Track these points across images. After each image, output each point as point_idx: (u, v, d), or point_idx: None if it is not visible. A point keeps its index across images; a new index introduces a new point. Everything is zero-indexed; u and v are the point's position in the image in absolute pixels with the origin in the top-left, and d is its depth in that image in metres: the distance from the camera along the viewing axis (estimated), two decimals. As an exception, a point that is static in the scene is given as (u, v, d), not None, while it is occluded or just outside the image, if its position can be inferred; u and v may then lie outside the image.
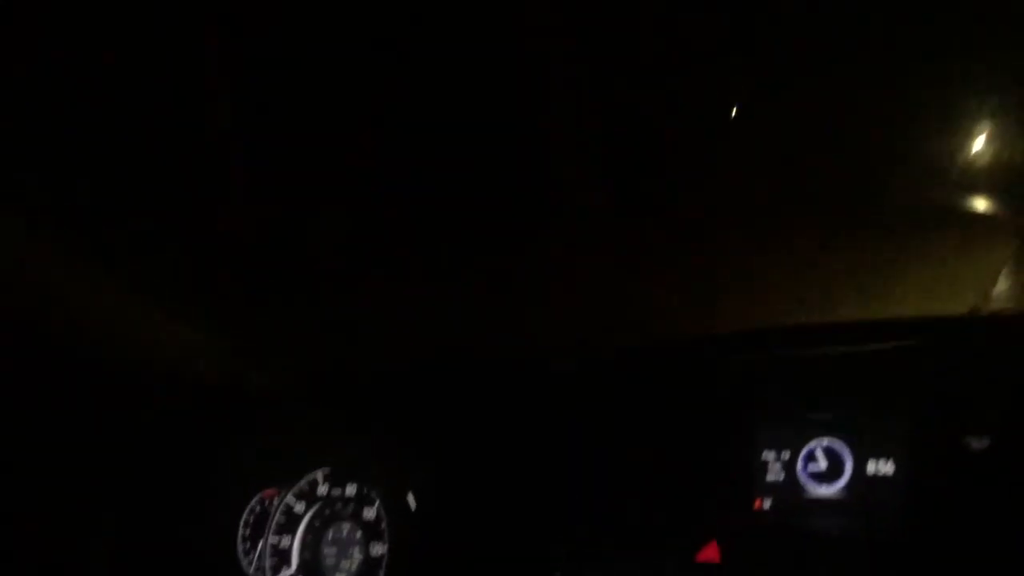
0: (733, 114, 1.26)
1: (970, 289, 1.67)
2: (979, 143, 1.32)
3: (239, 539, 1.85)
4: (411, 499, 1.69)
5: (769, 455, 1.62)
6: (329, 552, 1.77)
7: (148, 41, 1.12)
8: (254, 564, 1.80)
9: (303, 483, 1.81)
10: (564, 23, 1.14)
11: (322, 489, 1.80)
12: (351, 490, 1.78)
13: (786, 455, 1.61)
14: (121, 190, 1.39)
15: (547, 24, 1.14)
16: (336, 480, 1.79)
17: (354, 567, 1.73)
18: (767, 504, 1.58)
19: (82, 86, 1.16)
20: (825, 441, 1.60)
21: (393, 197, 1.44)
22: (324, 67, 1.20)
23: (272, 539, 1.79)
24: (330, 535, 1.78)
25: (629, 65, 1.21)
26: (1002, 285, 1.66)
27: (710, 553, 1.55)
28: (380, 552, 1.71)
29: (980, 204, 1.46)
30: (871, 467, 1.56)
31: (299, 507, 1.80)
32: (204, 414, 1.90)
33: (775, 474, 1.60)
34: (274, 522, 1.79)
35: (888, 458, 1.55)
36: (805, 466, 1.60)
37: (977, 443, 1.49)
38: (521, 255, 1.57)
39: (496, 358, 1.70)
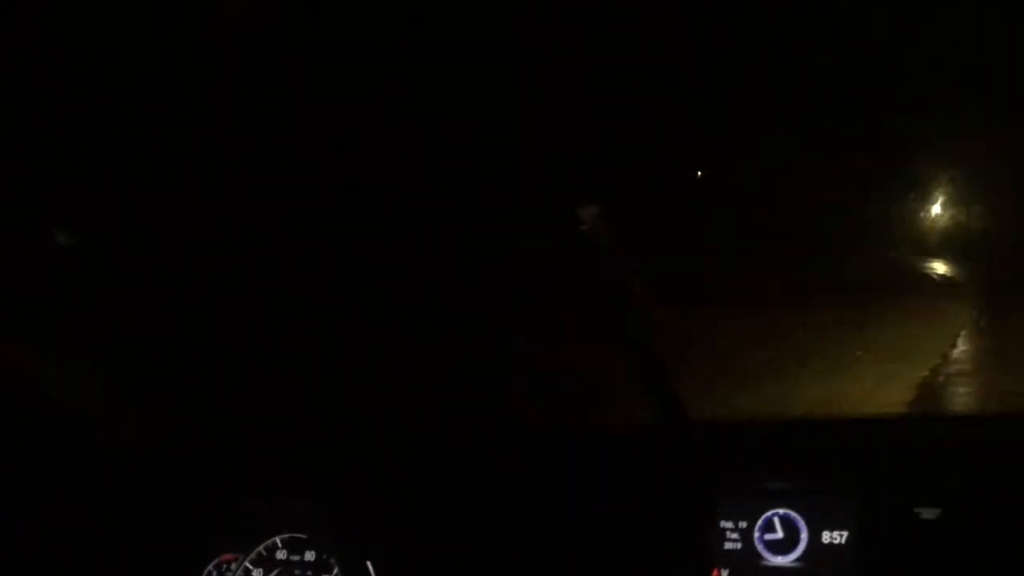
0: (698, 175, 1.30)
1: (931, 351, 1.72)
2: (937, 211, 1.37)
3: (194, 605, 1.82)
4: (370, 567, 1.68)
5: (727, 524, 1.63)
6: (286, 619, 1.74)
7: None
8: (209, 631, 1.77)
9: (261, 548, 1.79)
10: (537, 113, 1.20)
11: (281, 555, 1.78)
12: (310, 556, 1.76)
13: (743, 524, 1.63)
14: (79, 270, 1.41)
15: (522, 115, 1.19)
16: (295, 546, 1.78)
17: (311, 635, 1.71)
18: (724, 573, 1.60)
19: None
20: (781, 511, 1.62)
21: (359, 280, 1.47)
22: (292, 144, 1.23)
23: (228, 606, 1.76)
24: (288, 601, 1.76)
25: (599, 149, 1.26)
26: (961, 347, 1.72)
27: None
28: (338, 620, 1.69)
29: (939, 269, 1.51)
30: (826, 537, 1.58)
31: (257, 573, 1.78)
32: (163, 479, 1.88)
33: (733, 543, 1.62)
34: (231, 588, 1.77)
35: (842, 528, 1.58)
36: (762, 535, 1.62)
37: (928, 514, 1.52)
38: (490, 332, 1.60)
39: (455, 430, 1.72)
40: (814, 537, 1.59)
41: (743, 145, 1.30)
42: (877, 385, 1.83)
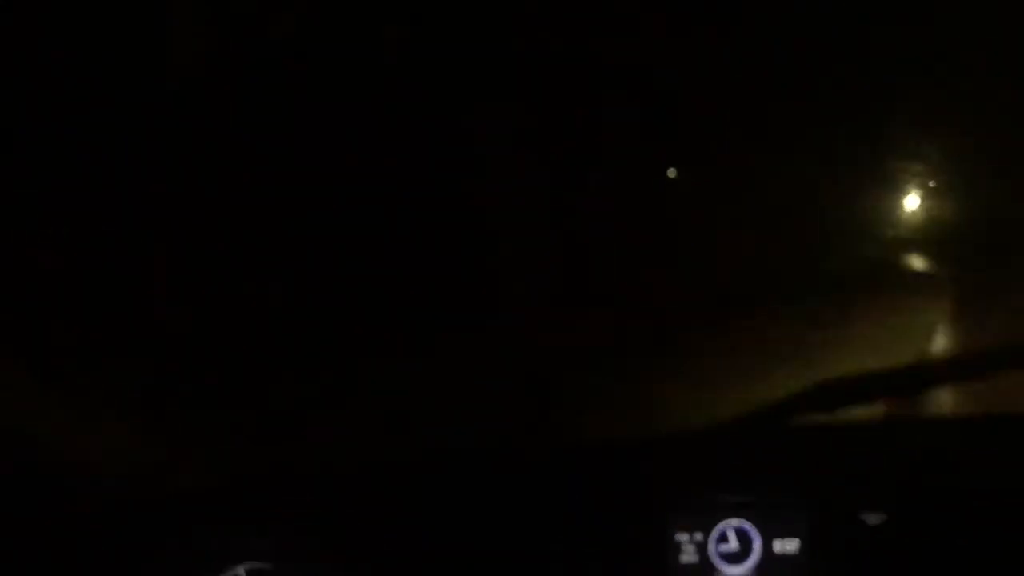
0: (671, 175, 1.32)
1: (908, 346, 1.75)
2: (912, 205, 1.40)
3: (157, 639, 1.81)
4: (333, 594, 1.70)
5: (682, 537, 1.66)
6: (250, 650, 1.75)
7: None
8: (173, 665, 1.77)
9: (224, 579, 1.80)
10: (512, 128, 1.22)
11: (244, 586, 1.79)
12: (273, 586, 1.77)
13: (698, 537, 1.66)
14: (39, 286, 1.40)
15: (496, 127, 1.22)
16: (258, 577, 1.78)
17: (275, 665, 1.71)
18: (681, 586, 1.63)
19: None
20: (735, 522, 1.66)
21: (330, 301, 1.49)
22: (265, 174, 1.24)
23: (191, 638, 1.76)
24: (251, 632, 1.76)
25: (576, 160, 1.28)
26: (938, 341, 1.76)
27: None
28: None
29: (916, 263, 1.54)
30: (777, 546, 1.62)
31: (220, 605, 1.78)
32: (123, 511, 1.88)
33: (688, 555, 1.65)
34: (194, 621, 1.77)
35: (793, 536, 1.62)
36: (717, 547, 1.65)
37: (873, 519, 1.57)
38: (450, 350, 1.62)
39: (413, 457, 1.74)
40: (766, 547, 1.63)
41: (714, 145, 1.32)
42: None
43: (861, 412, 1.89)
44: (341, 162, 1.24)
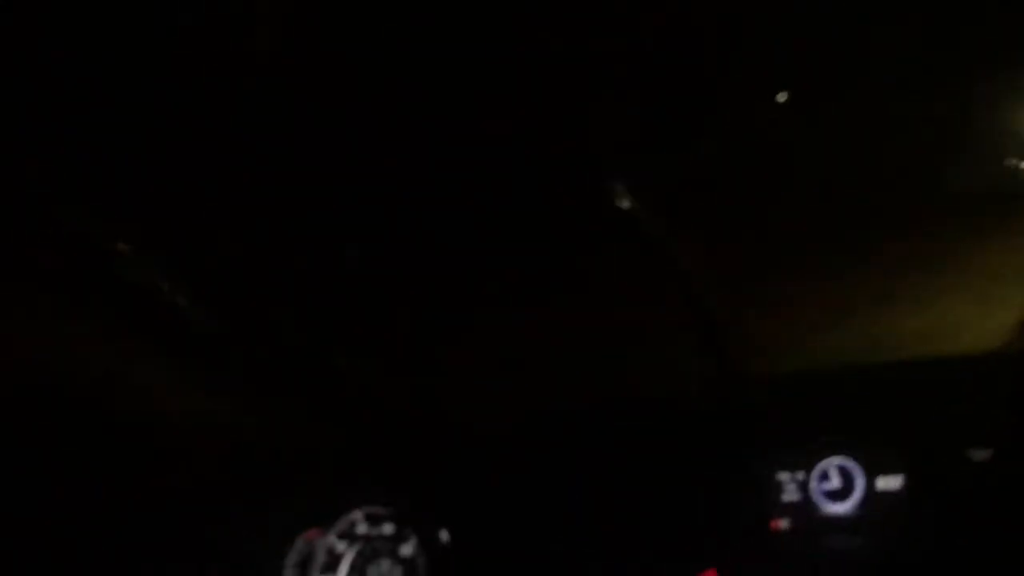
0: (782, 99, 1.25)
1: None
2: None
3: (285, 579, 1.93)
4: (444, 534, 1.78)
5: (784, 476, 1.68)
6: (371, 588, 1.86)
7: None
8: (300, 603, 1.89)
9: (343, 523, 1.90)
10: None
11: (361, 529, 1.89)
12: (389, 529, 1.86)
13: (801, 475, 1.68)
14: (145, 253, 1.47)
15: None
16: (374, 520, 1.88)
17: (395, 601, 1.82)
18: (783, 524, 1.65)
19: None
20: (837, 460, 1.66)
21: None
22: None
23: (316, 578, 1.87)
24: (370, 572, 1.87)
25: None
26: None
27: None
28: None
29: None
30: (881, 483, 1.63)
31: (340, 547, 1.89)
32: (249, 461, 1.99)
33: (791, 494, 1.67)
34: (318, 562, 1.88)
35: (897, 473, 1.62)
36: (819, 485, 1.66)
37: (979, 455, 1.55)
38: (551, 303, 1.64)
39: (523, 403, 1.79)
40: (869, 484, 1.63)
41: (827, 60, 1.22)
42: (959, 322, 1.79)
43: (968, 345, 1.85)
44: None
